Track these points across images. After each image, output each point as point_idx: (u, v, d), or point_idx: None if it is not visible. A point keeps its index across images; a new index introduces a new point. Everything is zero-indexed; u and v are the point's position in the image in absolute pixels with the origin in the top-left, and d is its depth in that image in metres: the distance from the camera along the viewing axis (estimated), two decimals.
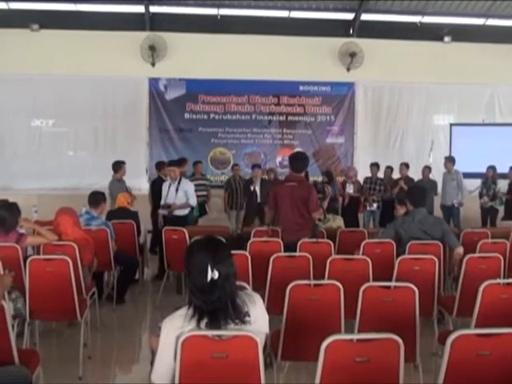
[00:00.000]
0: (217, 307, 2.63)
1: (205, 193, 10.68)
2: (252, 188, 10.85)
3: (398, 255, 5.44)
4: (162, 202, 8.32)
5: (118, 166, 9.43)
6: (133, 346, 5.91)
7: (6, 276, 3.45)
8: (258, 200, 10.75)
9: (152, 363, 2.77)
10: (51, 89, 12.79)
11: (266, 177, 11.89)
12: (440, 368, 2.87)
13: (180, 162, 8.93)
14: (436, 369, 3.42)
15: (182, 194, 8.22)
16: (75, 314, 4.90)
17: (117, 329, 6.41)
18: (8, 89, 12.80)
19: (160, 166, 10.02)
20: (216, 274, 2.61)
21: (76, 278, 4.92)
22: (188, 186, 8.37)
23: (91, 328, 5.57)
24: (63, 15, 12.91)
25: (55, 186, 12.53)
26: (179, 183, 8.25)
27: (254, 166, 11.36)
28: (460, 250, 5.75)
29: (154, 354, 2.80)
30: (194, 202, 8.43)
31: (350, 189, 11.13)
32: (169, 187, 8.29)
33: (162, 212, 8.32)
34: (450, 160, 11.30)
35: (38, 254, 5.64)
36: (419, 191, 6.34)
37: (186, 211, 8.38)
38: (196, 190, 8.77)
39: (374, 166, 11.36)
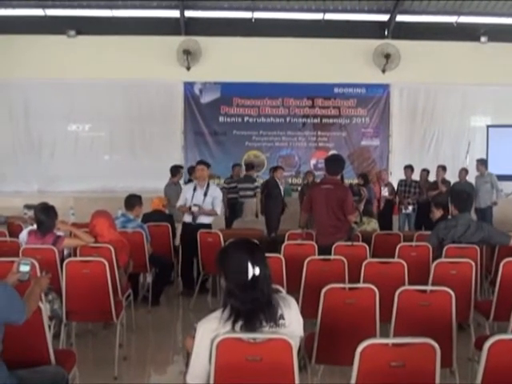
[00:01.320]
0: (255, 306, 2.63)
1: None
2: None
3: (434, 258, 5.36)
4: (181, 203, 7.62)
5: (176, 170, 9.72)
6: (167, 347, 5.93)
7: (43, 278, 3.49)
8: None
9: (187, 364, 2.78)
10: (88, 93, 13.02)
11: (306, 180, 11.83)
12: (477, 374, 2.82)
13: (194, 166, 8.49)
14: (473, 375, 3.37)
15: (209, 200, 7.50)
16: (111, 316, 4.95)
17: (152, 330, 6.46)
18: (45, 94, 13.07)
19: (192, 170, 10.05)
20: (257, 270, 2.62)
21: (112, 280, 4.97)
22: (217, 193, 7.68)
23: (127, 329, 5.61)
24: (99, 21, 13.14)
25: (92, 188, 12.71)
26: (208, 188, 7.59)
27: (278, 168, 11.21)
28: None
29: (189, 355, 2.81)
30: (219, 210, 7.84)
31: (385, 192, 11.03)
32: (194, 190, 7.59)
33: (187, 219, 7.56)
34: (482, 163, 11.11)
35: (75, 255, 5.72)
36: (465, 196, 6.05)
37: (211, 219, 7.64)
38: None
39: (408, 169, 11.22)
